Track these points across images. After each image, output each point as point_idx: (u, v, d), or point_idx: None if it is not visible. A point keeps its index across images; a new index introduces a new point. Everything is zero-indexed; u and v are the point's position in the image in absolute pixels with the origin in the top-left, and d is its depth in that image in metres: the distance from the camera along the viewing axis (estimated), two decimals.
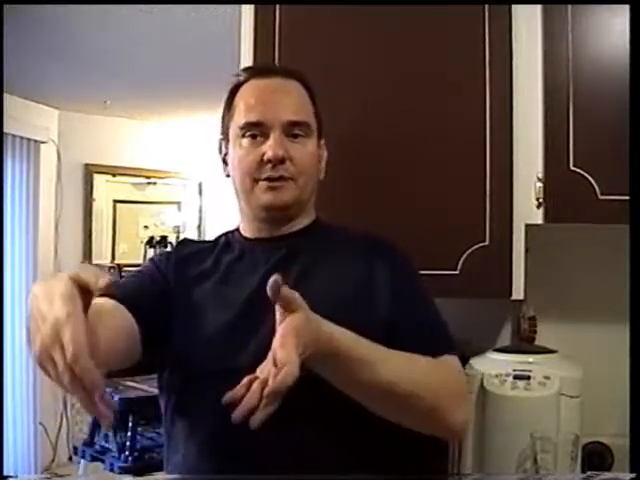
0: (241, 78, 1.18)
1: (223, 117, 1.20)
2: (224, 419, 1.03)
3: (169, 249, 1.28)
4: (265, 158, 1.10)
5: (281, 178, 1.11)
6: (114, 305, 0.99)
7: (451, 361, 1.09)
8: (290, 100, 1.14)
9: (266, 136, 1.11)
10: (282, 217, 1.16)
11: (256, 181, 1.12)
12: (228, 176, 1.19)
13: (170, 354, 1.12)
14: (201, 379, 1.08)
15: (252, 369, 0.99)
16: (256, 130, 1.12)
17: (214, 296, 1.13)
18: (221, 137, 1.21)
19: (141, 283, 1.14)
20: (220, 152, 1.21)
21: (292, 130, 1.12)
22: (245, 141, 1.13)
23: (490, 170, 1.37)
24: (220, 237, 1.24)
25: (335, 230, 1.21)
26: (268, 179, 1.11)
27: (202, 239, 1.28)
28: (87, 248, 4.69)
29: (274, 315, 1.05)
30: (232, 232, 1.24)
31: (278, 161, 1.10)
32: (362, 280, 1.12)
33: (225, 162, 1.20)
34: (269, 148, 1.10)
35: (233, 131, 1.16)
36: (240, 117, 1.14)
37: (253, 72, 1.20)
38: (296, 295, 0.89)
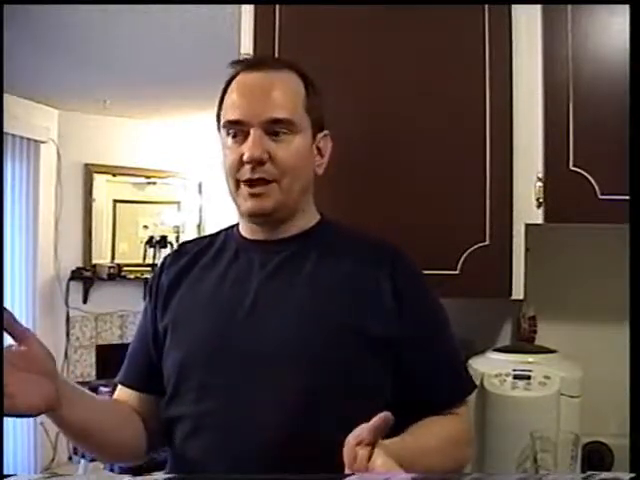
0: (234, 70, 1.14)
1: (217, 112, 1.16)
2: (218, 433, 1.04)
3: (168, 252, 1.27)
4: (243, 159, 1.06)
5: (261, 180, 1.07)
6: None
7: (461, 416, 1.11)
8: (274, 95, 1.08)
9: (246, 135, 1.07)
10: (270, 222, 1.12)
11: (238, 183, 1.09)
12: None
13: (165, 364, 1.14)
14: (187, 392, 1.08)
15: (243, 384, 1.03)
16: (237, 128, 1.08)
17: (207, 303, 1.12)
18: (218, 132, 1.16)
19: (143, 362, 1.18)
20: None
21: (274, 128, 1.07)
22: (230, 140, 1.09)
23: (490, 170, 1.37)
24: (220, 233, 1.22)
25: (341, 233, 1.17)
26: (248, 182, 1.08)
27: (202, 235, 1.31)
28: (87, 248, 4.70)
29: (266, 325, 1.07)
30: (232, 228, 1.21)
31: (256, 162, 1.06)
32: (367, 291, 1.09)
33: None
34: (247, 149, 1.06)
35: (221, 129, 1.12)
36: (224, 115, 1.11)
37: (244, 65, 1.15)
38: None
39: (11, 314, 0.90)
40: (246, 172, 1.07)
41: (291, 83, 1.12)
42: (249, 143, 1.06)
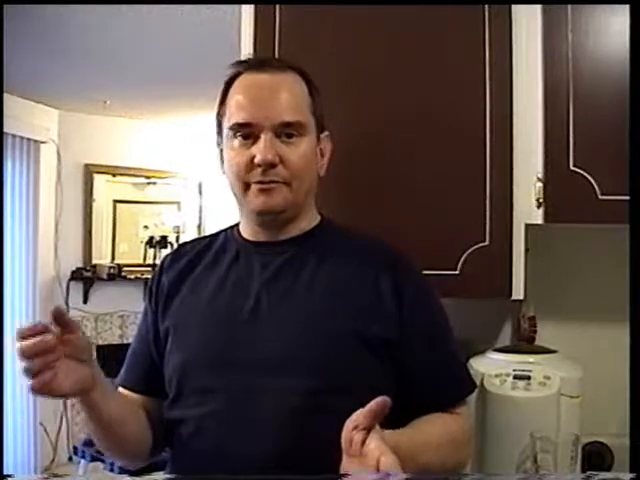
0: (235, 70, 1.13)
1: (217, 112, 1.15)
2: (220, 435, 1.04)
3: (167, 253, 1.27)
4: (255, 162, 1.06)
5: (272, 182, 1.07)
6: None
7: (462, 415, 1.12)
8: (283, 98, 1.08)
9: (256, 137, 1.07)
10: (277, 221, 1.12)
11: (247, 184, 1.09)
12: (224, 173, 1.15)
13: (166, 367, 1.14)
14: (188, 394, 1.09)
15: (243, 388, 1.03)
16: (246, 131, 1.07)
17: (208, 306, 1.12)
18: (217, 131, 1.16)
19: (144, 364, 1.18)
20: (218, 146, 1.16)
21: (284, 131, 1.07)
22: (236, 142, 1.09)
23: (490, 170, 1.37)
24: (219, 234, 1.22)
25: (341, 234, 1.17)
26: (259, 183, 1.07)
27: (202, 235, 1.33)
28: (87, 248, 4.70)
29: (268, 327, 1.07)
30: (232, 229, 1.20)
31: (268, 165, 1.06)
32: (368, 293, 1.09)
33: (221, 158, 1.15)
34: (258, 152, 1.05)
35: (225, 129, 1.11)
36: (230, 116, 1.09)
37: (248, 65, 1.14)
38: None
39: (60, 307, 0.94)
40: (257, 174, 1.07)
41: (297, 85, 1.12)
42: (261, 146, 1.06)
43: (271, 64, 1.13)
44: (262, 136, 1.06)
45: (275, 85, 1.09)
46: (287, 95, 1.09)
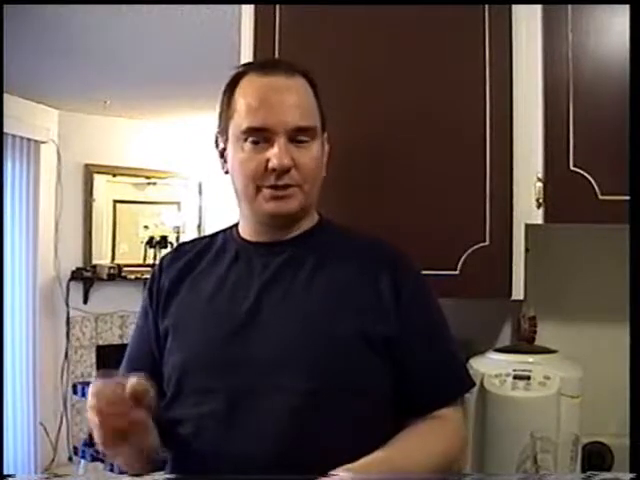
0: (238, 72, 1.12)
1: (221, 111, 1.13)
2: (219, 435, 1.04)
3: (166, 253, 1.27)
4: (270, 166, 1.05)
5: (286, 186, 1.07)
6: None
7: (456, 419, 1.10)
8: (296, 102, 1.07)
9: (270, 142, 1.06)
10: (287, 223, 1.12)
11: (259, 188, 1.08)
12: (227, 172, 1.14)
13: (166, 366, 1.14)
14: (188, 394, 1.09)
15: (242, 386, 1.03)
16: (259, 135, 1.06)
17: (208, 306, 1.12)
18: (218, 131, 1.14)
19: (147, 365, 1.16)
20: (217, 146, 1.15)
21: (298, 135, 1.07)
22: (247, 145, 1.07)
23: (490, 170, 1.37)
24: (217, 234, 1.21)
25: (340, 234, 1.17)
26: (272, 187, 1.07)
27: (201, 235, 1.32)
28: (87, 248, 4.70)
29: (268, 327, 1.06)
30: (231, 230, 1.20)
31: (283, 170, 1.05)
32: (367, 292, 1.09)
33: (223, 157, 1.14)
34: (274, 157, 1.05)
35: (233, 132, 1.09)
36: (242, 120, 1.07)
37: (255, 65, 1.13)
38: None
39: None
40: (270, 179, 1.07)
41: (306, 89, 1.11)
42: (276, 151, 1.05)
43: (280, 67, 1.12)
44: (277, 141, 1.05)
45: (286, 89, 1.08)
46: (299, 100, 1.08)
